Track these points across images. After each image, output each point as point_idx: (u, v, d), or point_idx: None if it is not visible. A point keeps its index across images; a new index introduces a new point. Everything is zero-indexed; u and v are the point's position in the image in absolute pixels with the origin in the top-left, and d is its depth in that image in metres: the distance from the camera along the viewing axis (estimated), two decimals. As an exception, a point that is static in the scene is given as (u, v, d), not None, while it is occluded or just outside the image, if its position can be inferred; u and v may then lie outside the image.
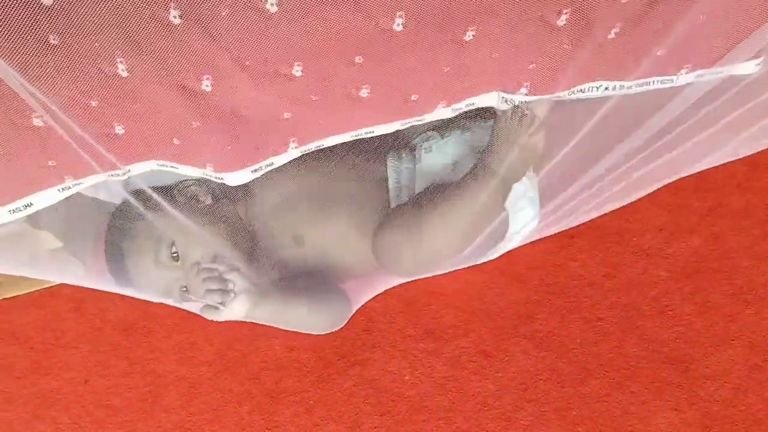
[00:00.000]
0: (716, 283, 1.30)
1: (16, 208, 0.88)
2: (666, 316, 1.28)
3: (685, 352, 1.26)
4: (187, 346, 1.29)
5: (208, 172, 0.87)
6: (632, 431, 1.19)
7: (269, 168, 0.89)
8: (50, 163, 0.82)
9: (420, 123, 0.91)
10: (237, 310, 1.05)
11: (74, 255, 1.18)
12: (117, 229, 1.10)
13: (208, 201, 1.11)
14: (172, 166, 0.88)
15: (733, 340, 1.26)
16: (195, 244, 1.07)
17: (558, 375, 1.25)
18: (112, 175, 0.89)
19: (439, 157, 1.10)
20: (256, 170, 0.88)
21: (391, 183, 1.11)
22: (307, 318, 1.13)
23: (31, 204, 0.88)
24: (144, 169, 0.90)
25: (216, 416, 1.28)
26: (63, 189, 0.87)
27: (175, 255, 1.07)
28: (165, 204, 1.06)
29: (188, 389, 1.30)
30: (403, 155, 1.12)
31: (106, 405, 1.32)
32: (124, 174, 0.89)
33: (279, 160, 0.88)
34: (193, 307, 1.12)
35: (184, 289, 1.09)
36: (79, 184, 0.88)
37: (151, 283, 1.09)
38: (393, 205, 1.09)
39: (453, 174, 1.08)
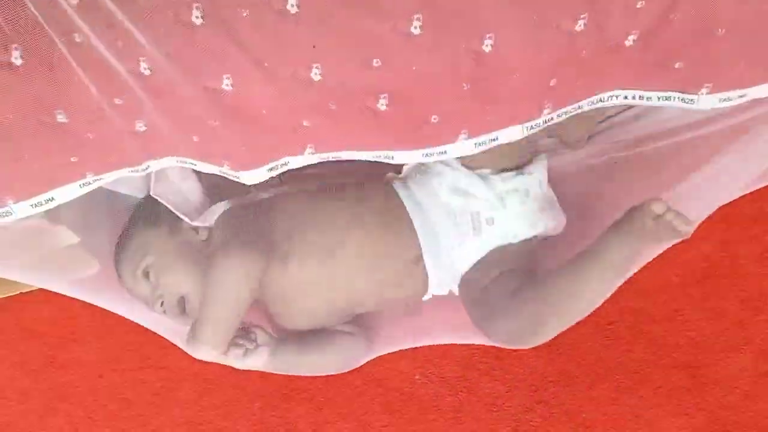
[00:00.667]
0: (727, 290, 1.30)
1: (38, 203, 0.89)
2: (676, 321, 1.29)
3: (694, 357, 1.26)
4: (200, 343, 1.29)
5: (225, 170, 0.88)
6: (641, 435, 1.20)
7: (284, 168, 0.89)
8: (72, 159, 0.83)
9: (444, 156, 0.90)
10: (257, 361, 1.08)
11: (90, 252, 1.19)
12: (126, 230, 1.12)
13: (204, 237, 1.12)
14: (192, 163, 0.89)
15: (743, 347, 1.26)
16: (174, 274, 1.09)
17: (568, 378, 1.25)
18: (131, 171, 0.90)
19: (501, 230, 1.09)
20: (272, 169, 0.89)
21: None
22: (319, 364, 1.15)
23: (52, 199, 0.89)
24: (164, 165, 0.91)
25: (228, 412, 1.29)
26: (84, 185, 0.89)
27: (147, 272, 1.09)
28: (164, 225, 1.09)
29: (201, 385, 1.31)
30: (417, 193, 1.11)
31: (120, 399, 1.33)
32: (144, 170, 0.90)
33: (295, 162, 0.89)
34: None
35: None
36: (99, 179, 0.89)
37: (131, 292, 1.12)
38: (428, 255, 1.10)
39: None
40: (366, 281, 1.10)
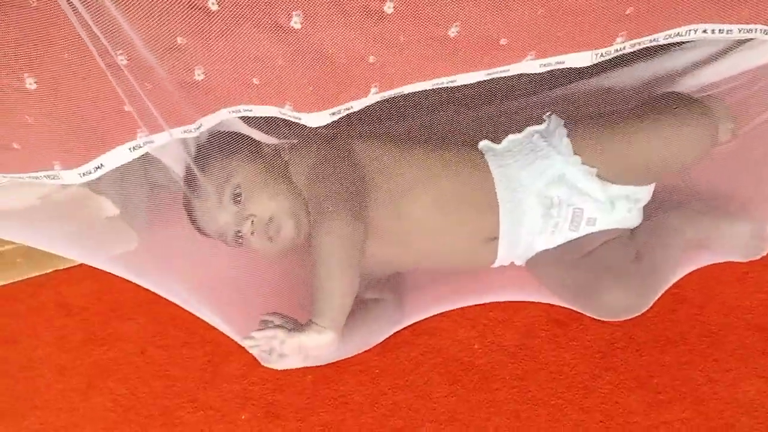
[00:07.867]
0: (798, 249, 1.24)
1: (87, 171, 0.86)
2: (747, 283, 1.24)
3: (769, 319, 1.21)
4: (247, 316, 1.25)
5: (286, 111, 0.84)
6: (718, 399, 1.14)
7: (347, 111, 0.86)
8: (126, 108, 0.79)
9: (506, 74, 0.87)
10: (292, 364, 1.08)
11: (130, 224, 1.15)
12: (197, 164, 1.07)
13: (287, 157, 1.08)
14: (248, 110, 0.85)
15: (818, 306, 1.21)
16: (264, 193, 1.05)
17: (636, 343, 1.20)
18: (184, 132, 0.87)
19: (599, 228, 1.08)
20: (334, 113, 0.86)
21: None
22: (358, 347, 1.17)
23: (101, 165, 0.86)
24: (216, 121, 0.88)
25: (278, 386, 1.24)
26: (134, 148, 0.85)
27: (238, 197, 1.05)
28: (246, 149, 1.04)
29: (249, 359, 1.25)
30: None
31: (165, 375, 1.28)
32: (197, 129, 0.87)
33: (358, 105, 0.86)
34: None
35: (239, 234, 1.07)
36: (150, 141, 0.85)
37: (209, 222, 1.09)
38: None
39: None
40: (430, 247, 1.05)
